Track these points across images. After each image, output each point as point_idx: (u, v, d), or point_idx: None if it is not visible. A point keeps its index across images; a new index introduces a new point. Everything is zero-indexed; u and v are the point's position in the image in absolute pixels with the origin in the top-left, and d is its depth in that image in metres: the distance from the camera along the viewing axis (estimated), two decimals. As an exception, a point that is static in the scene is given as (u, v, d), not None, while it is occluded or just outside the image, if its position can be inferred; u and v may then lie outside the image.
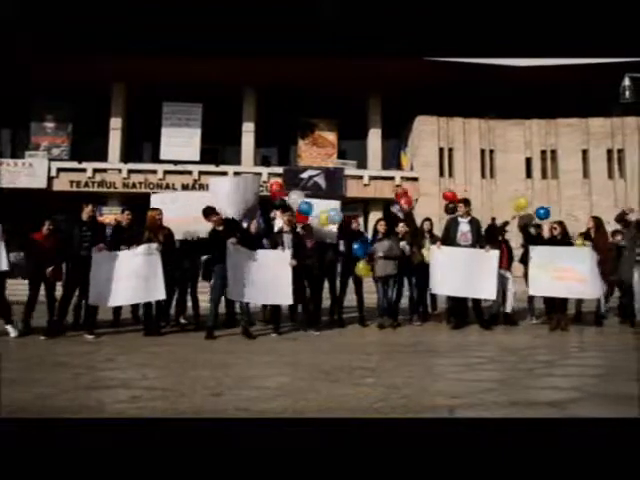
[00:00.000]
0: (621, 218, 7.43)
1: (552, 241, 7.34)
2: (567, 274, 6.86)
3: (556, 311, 7.12)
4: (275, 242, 6.67)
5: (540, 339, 6.21)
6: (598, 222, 7.77)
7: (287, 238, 6.68)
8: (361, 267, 7.20)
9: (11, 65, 13.51)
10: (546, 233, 7.80)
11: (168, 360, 4.86)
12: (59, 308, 6.30)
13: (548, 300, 7.28)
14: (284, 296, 6.47)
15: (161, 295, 6.40)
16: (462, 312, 7.50)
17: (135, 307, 7.54)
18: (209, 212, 6.52)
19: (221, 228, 6.40)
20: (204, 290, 7.56)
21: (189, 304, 7.51)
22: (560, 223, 7.51)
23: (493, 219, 8.15)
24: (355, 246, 7.37)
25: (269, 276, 6.39)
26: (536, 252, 7.10)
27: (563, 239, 7.31)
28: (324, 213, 7.51)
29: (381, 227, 7.51)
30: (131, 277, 6.25)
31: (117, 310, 7.45)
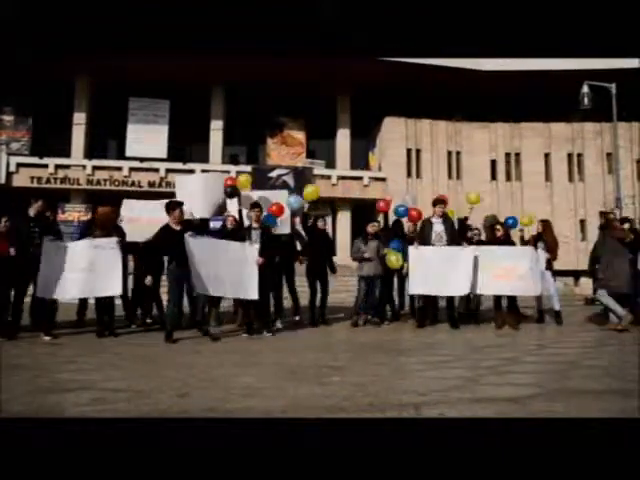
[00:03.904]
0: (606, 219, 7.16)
1: (496, 242, 7.49)
2: (508, 273, 7.04)
3: (501, 309, 7.31)
4: (243, 237, 6.61)
5: (504, 337, 6.37)
6: (547, 224, 8.05)
7: (255, 234, 6.67)
8: (394, 259, 7.38)
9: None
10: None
11: (132, 361, 4.75)
12: (13, 308, 6.06)
13: (496, 298, 7.41)
14: (250, 290, 6.31)
15: (117, 291, 6.23)
16: (431, 311, 7.61)
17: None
18: (175, 206, 6.15)
19: (178, 228, 6.09)
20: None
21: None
22: (503, 225, 7.71)
23: (466, 218, 8.22)
24: (394, 245, 7.53)
25: (234, 269, 6.25)
26: (478, 253, 7.21)
27: (506, 240, 7.51)
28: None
29: (371, 229, 7.59)
30: (85, 270, 6.05)
31: (81, 310, 7.26)
